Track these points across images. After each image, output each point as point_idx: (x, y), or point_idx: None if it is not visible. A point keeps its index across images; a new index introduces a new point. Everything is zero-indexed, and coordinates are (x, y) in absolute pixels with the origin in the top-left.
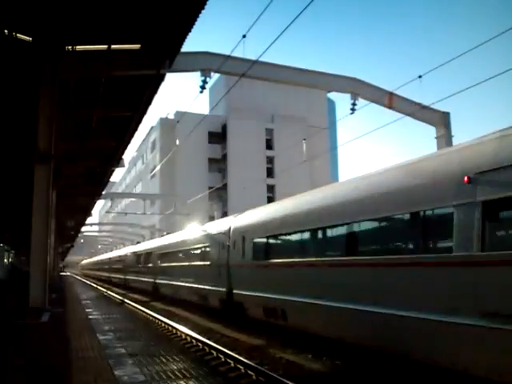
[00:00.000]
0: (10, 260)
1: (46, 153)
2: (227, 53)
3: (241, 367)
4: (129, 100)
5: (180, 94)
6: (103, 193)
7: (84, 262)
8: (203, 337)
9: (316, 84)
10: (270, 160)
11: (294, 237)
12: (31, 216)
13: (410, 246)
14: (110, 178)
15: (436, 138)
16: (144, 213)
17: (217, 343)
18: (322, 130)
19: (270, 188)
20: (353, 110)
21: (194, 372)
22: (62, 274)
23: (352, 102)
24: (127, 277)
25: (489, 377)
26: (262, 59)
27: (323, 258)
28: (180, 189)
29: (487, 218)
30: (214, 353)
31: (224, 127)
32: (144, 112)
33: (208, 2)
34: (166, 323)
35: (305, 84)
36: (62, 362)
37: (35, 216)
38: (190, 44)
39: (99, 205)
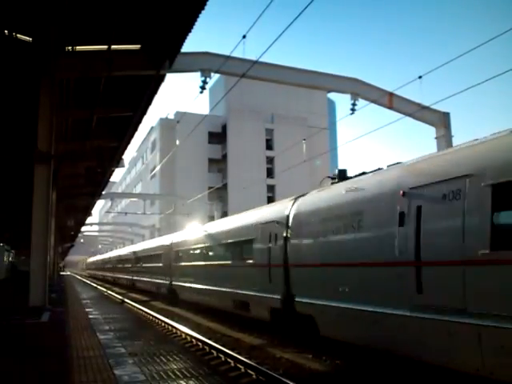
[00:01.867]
0: (10, 259)
1: (46, 153)
2: (227, 53)
3: (241, 367)
4: (129, 100)
5: (180, 95)
6: (103, 193)
7: (92, 259)
8: (203, 336)
9: (316, 84)
10: (270, 160)
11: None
12: (31, 216)
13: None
14: (110, 178)
15: (436, 138)
16: (144, 213)
17: (217, 343)
18: (322, 130)
19: (270, 188)
20: (353, 110)
21: (194, 371)
22: (61, 273)
23: (352, 102)
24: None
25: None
26: (262, 59)
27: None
28: (180, 189)
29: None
30: (214, 352)
31: (224, 127)
32: (144, 112)
33: (208, 2)
34: (166, 323)
35: (305, 84)
36: (62, 361)
37: (35, 216)
38: (190, 44)
39: (99, 205)
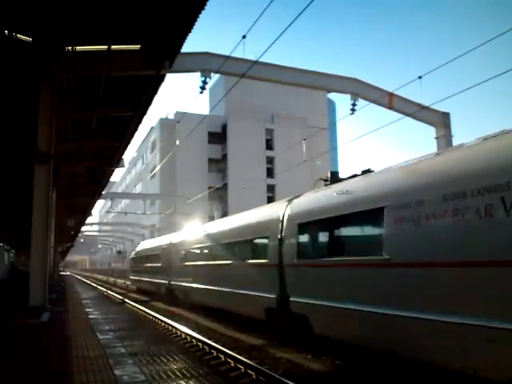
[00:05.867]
0: (10, 259)
1: (46, 153)
2: (227, 53)
3: (241, 367)
4: (129, 100)
5: (180, 95)
6: (103, 193)
7: (145, 245)
8: (203, 336)
9: (316, 84)
10: (270, 160)
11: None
12: (31, 216)
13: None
14: (110, 178)
15: (436, 138)
16: (144, 213)
17: (217, 343)
18: (321, 130)
19: (270, 188)
20: (353, 110)
21: (194, 372)
22: (61, 273)
23: (352, 102)
24: None
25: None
26: (261, 60)
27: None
28: (180, 189)
29: None
30: (214, 352)
31: (224, 127)
32: (144, 112)
33: (208, 2)
34: (166, 323)
35: (305, 84)
36: (62, 361)
37: (35, 216)
38: (190, 44)
39: (99, 205)
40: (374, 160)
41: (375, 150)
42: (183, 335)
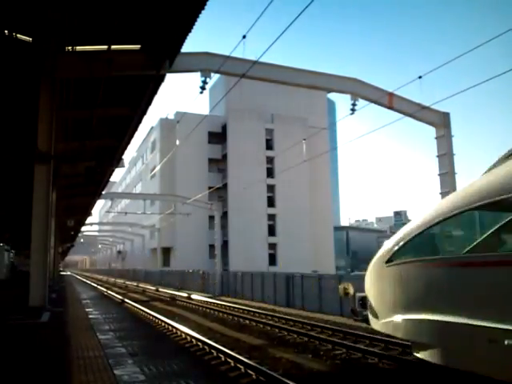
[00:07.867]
0: (10, 260)
1: (46, 153)
2: (227, 53)
3: (241, 367)
4: (129, 100)
5: (180, 95)
6: (103, 193)
7: None
8: (203, 336)
9: (316, 84)
10: (270, 160)
11: None
12: (31, 216)
13: None
14: (109, 178)
15: (436, 138)
16: (144, 212)
17: (217, 343)
18: (321, 130)
19: (270, 188)
20: (353, 110)
21: (194, 371)
22: (61, 273)
23: (352, 102)
24: None
25: None
26: (262, 60)
27: None
28: (180, 189)
29: None
30: (214, 352)
31: (224, 127)
32: (144, 112)
33: (208, 2)
34: (166, 323)
35: (305, 85)
36: (62, 361)
37: (35, 216)
38: (190, 44)
39: (99, 205)
40: (374, 160)
41: (377, 148)
42: (183, 335)
